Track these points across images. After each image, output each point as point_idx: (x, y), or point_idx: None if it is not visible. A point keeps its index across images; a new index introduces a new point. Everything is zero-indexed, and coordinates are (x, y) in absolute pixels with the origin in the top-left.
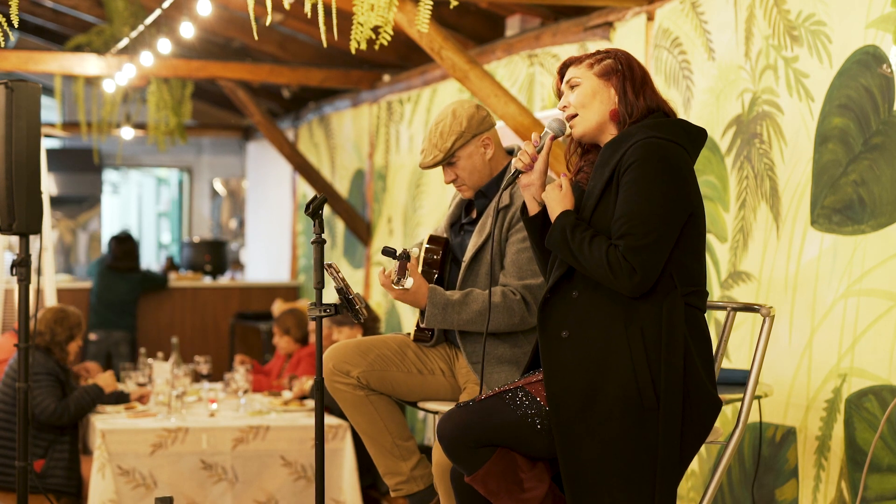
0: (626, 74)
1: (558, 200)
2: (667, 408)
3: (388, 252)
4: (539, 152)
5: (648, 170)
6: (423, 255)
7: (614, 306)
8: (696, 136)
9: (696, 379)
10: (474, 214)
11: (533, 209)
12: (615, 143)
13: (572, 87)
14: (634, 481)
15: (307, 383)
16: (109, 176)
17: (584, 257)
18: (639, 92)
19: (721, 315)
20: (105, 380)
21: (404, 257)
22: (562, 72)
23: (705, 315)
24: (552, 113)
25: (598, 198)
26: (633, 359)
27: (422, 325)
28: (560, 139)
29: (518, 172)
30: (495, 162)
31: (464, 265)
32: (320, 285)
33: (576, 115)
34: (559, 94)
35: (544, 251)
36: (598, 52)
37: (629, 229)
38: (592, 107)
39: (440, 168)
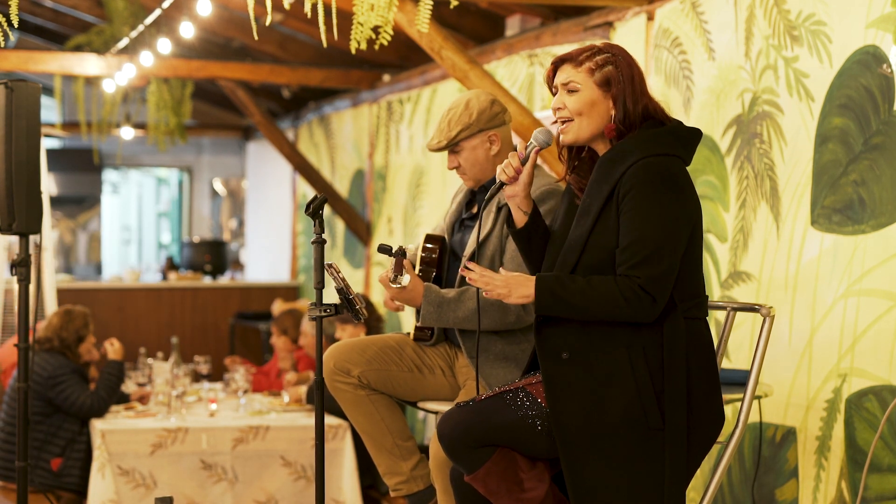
0: (626, 87)
1: (519, 279)
2: (672, 426)
3: (384, 249)
4: (524, 164)
5: (652, 193)
6: (420, 254)
7: (613, 328)
8: (689, 141)
9: (699, 394)
10: (475, 210)
11: (519, 221)
12: (612, 160)
13: (569, 92)
14: (644, 501)
15: (301, 389)
16: (109, 176)
17: (591, 303)
18: (637, 100)
19: (721, 315)
20: (115, 352)
21: (400, 254)
22: (557, 65)
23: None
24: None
25: (595, 216)
26: (636, 380)
27: (418, 324)
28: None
29: (502, 184)
30: (500, 159)
31: (464, 261)
32: (320, 285)
33: (570, 120)
34: (551, 87)
35: (533, 262)
36: (597, 53)
37: (644, 259)
38: (590, 117)
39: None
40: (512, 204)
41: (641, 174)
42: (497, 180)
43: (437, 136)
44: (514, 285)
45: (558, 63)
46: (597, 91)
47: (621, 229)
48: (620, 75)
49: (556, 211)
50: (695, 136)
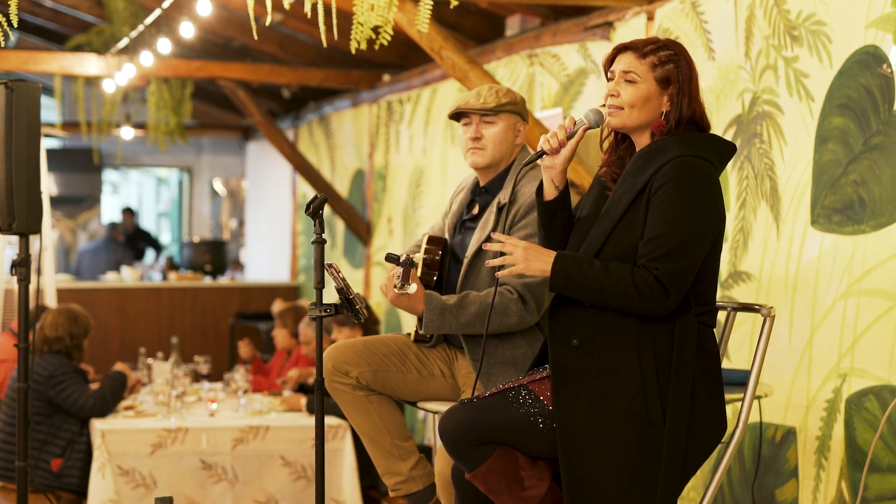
0: (685, 89)
1: (539, 254)
2: (672, 425)
3: (392, 259)
4: (569, 139)
5: (685, 191)
6: (421, 255)
7: (626, 319)
8: (725, 153)
9: (703, 397)
10: (475, 211)
11: (549, 194)
12: (648, 154)
13: (628, 82)
14: (635, 494)
15: (302, 399)
16: (109, 176)
17: (604, 290)
18: (690, 103)
19: (721, 315)
20: (125, 367)
21: (408, 263)
22: (618, 51)
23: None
24: (552, 113)
25: (625, 207)
26: (642, 373)
27: (421, 332)
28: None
29: (543, 153)
30: (514, 153)
31: (465, 262)
32: (320, 285)
33: (621, 108)
34: (607, 71)
35: (552, 237)
36: (661, 48)
37: (667, 252)
38: (642, 111)
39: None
40: (546, 176)
41: (677, 171)
42: (539, 148)
43: (479, 96)
44: (532, 259)
45: (620, 49)
46: (655, 87)
47: (648, 221)
48: (680, 76)
49: (584, 199)
50: (730, 149)
